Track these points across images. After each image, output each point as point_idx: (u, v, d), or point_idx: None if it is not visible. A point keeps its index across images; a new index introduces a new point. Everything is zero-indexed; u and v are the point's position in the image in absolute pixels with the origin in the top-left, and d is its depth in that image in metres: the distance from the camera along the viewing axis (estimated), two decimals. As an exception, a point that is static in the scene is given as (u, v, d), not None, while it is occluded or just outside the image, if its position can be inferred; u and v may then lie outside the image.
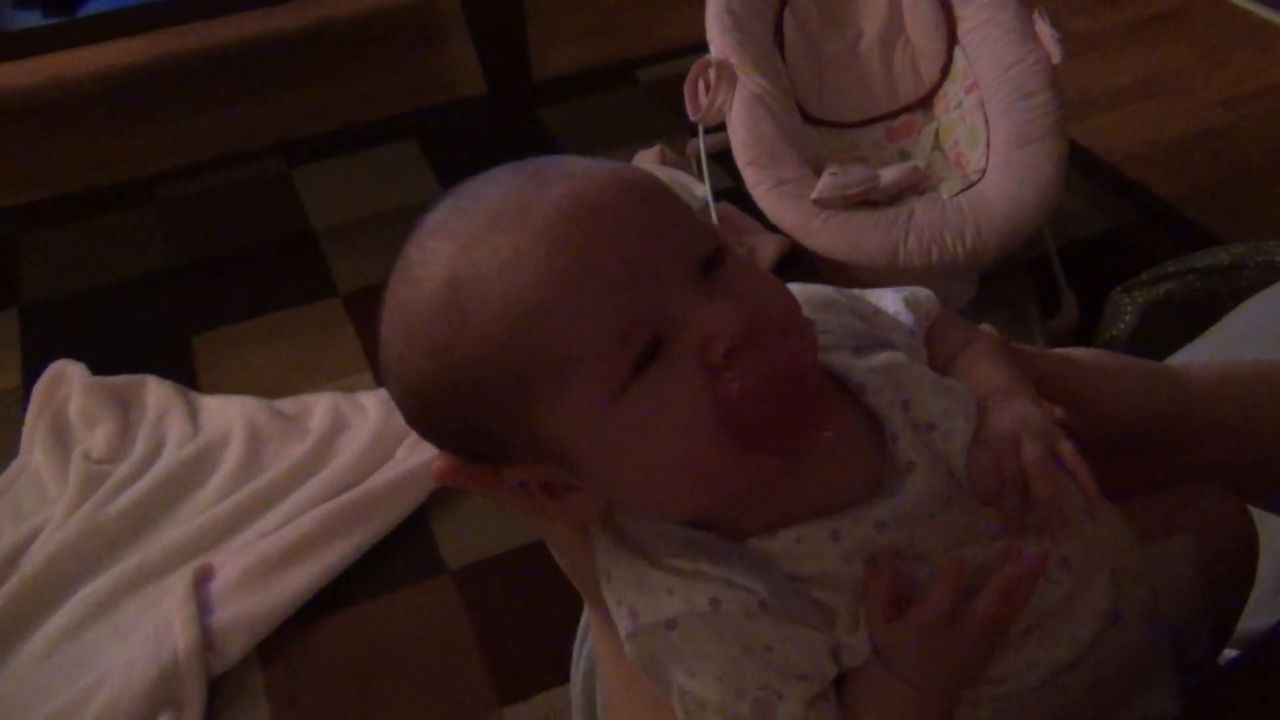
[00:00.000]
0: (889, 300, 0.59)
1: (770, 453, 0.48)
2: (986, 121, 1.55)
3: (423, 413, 0.51)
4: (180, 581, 1.38)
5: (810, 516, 0.51)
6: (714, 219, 1.70)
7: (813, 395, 0.48)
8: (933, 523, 0.51)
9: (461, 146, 2.22)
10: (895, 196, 1.52)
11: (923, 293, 0.60)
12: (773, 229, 1.60)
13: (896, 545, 0.51)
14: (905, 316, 0.58)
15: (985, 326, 0.60)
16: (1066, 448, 0.52)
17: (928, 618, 0.49)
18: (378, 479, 1.50)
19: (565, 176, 0.48)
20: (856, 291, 0.59)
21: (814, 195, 1.47)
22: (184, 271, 1.98)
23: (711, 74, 1.56)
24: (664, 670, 0.52)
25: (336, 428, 1.59)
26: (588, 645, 0.74)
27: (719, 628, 0.50)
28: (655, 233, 0.48)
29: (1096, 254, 1.78)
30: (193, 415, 1.65)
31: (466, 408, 0.49)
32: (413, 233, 0.51)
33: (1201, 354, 0.85)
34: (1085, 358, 0.60)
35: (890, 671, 0.51)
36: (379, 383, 1.69)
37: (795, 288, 0.56)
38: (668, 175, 1.84)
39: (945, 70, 1.67)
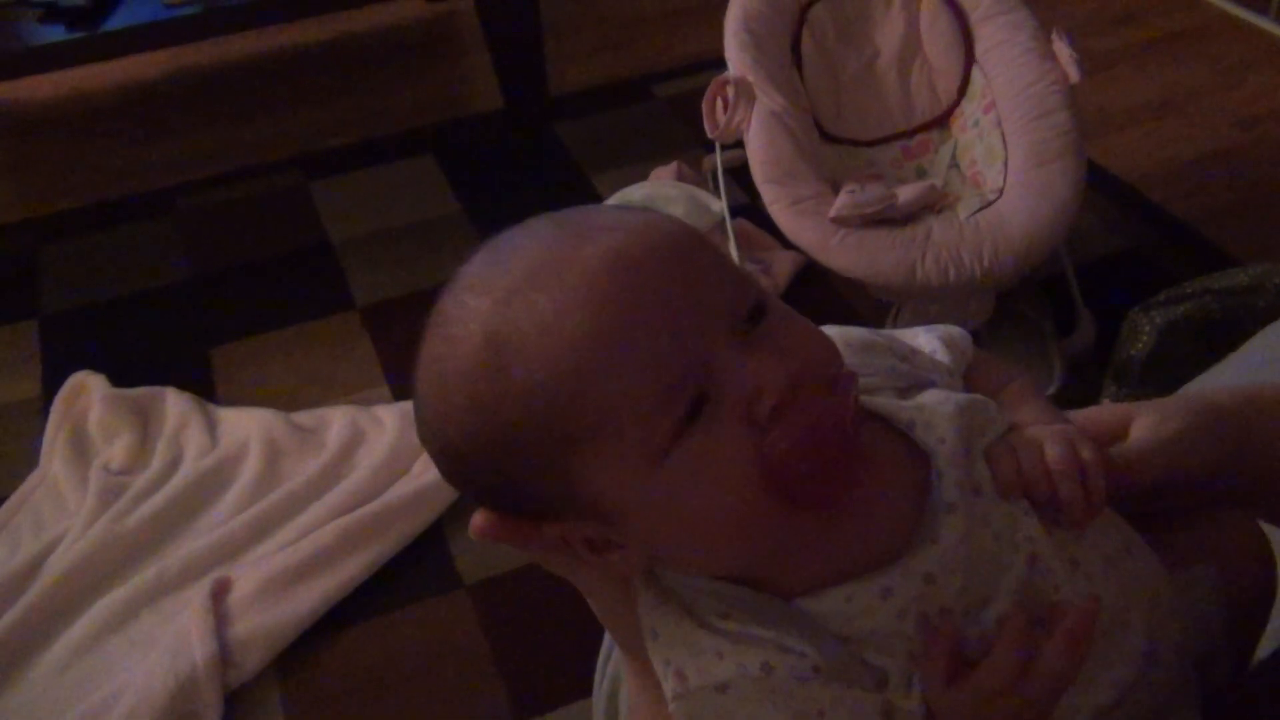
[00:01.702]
0: (923, 339, 0.59)
1: (810, 508, 0.47)
2: (1004, 140, 1.55)
3: (461, 470, 0.51)
4: (198, 594, 1.38)
5: (857, 571, 0.50)
6: (730, 235, 1.70)
7: (854, 451, 0.48)
8: (974, 563, 0.51)
9: (478, 161, 2.23)
10: (912, 215, 1.53)
11: (956, 331, 0.60)
12: (789, 245, 1.60)
13: (946, 600, 0.50)
14: (943, 356, 0.58)
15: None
16: (1088, 452, 0.52)
17: (993, 682, 0.48)
18: (394, 493, 1.50)
19: (603, 231, 0.48)
20: (892, 331, 0.59)
21: (831, 214, 1.47)
22: (203, 284, 2.00)
23: (730, 91, 1.56)
24: None
25: (354, 441, 1.60)
26: (611, 665, 0.74)
27: (771, 693, 0.49)
28: (696, 287, 0.47)
29: (1113, 273, 1.78)
30: (211, 427, 1.66)
31: (506, 466, 0.49)
32: (447, 285, 0.50)
33: (1222, 379, 0.85)
34: (1142, 410, 0.60)
35: None
36: (396, 396, 1.70)
37: (833, 330, 0.56)
38: (684, 192, 1.84)
39: (963, 89, 1.67)
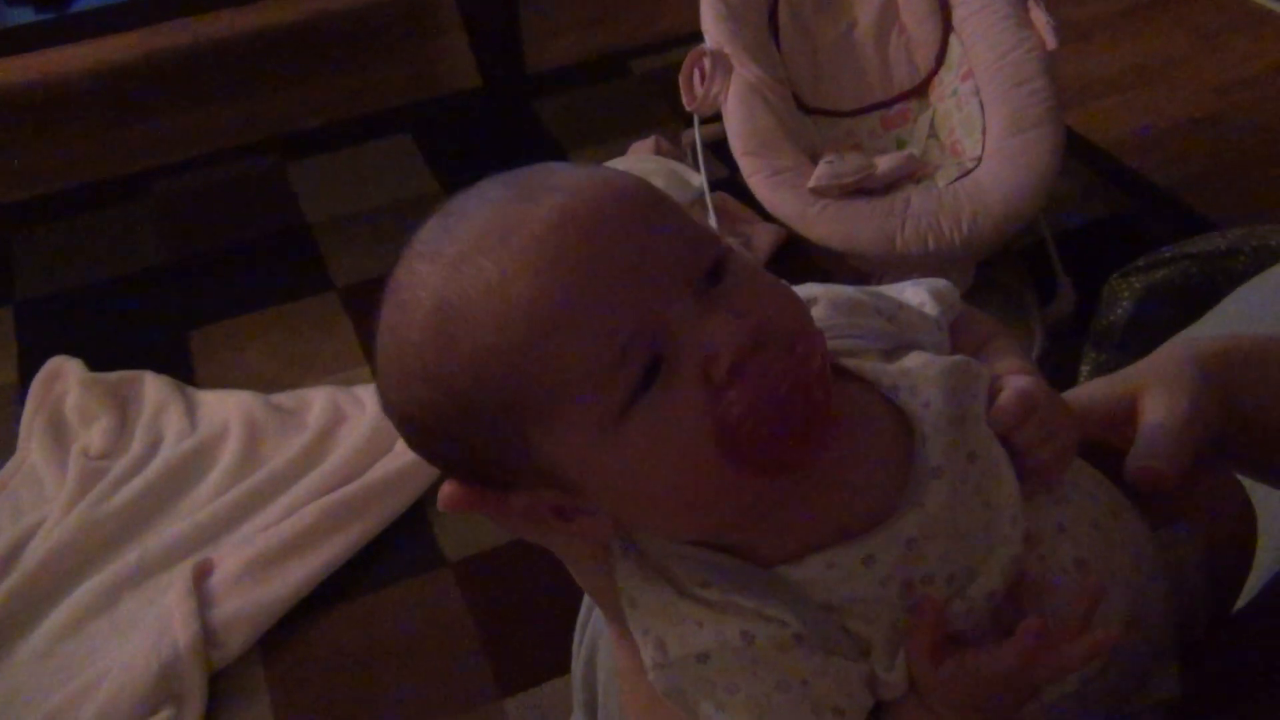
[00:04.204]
0: (911, 293, 0.57)
1: (771, 473, 0.46)
2: (982, 109, 1.55)
3: (422, 440, 0.50)
4: (180, 576, 1.38)
5: (839, 538, 0.49)
6: (710, 209, 1.70)
7: (817, 412, 0.46)
8: (960, 530, 0.49)
9: (456, 140, 2.21)
10: (892, 185, 1.52)
11: (943, 284, 0.58)
12: (769, 219, 1.59)
13: (929, 566, 0.49)
14: (931, 308, 0.56)
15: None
16: (1065, 419, 0.52)
17: (995, 669, 0.47)
18: (376, 472, 1.50)
19: (553, 190, 0.46)
20: (879, 288, 0.57)
21: (810, 184, 1.47)
22: (180, 267, 1.98)
23: (707, 64, 1.55)
24: (691, 701, 0.50)
25: (334, 421, 1.59)
26: (588, 633, 0.74)
27: (752, 662, 0.49)
28: (651, 246, 0.46)
29: (1092, 241, 1.78)
30: (190, 410, 1.64)
31: (464, 435, 0.48)
32: (403, 251, 0.49)
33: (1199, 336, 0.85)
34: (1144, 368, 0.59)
35: (930, 713, 0.50)
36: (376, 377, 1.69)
37: (818, 289, 0.55)
38: (663, 166, 1.84)
39: (940, 58, 1.67)
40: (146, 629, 1.33)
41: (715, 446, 0.45)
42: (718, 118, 1.61)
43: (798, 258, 1.76)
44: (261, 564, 1.39)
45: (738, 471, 0.45)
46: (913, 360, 0.52)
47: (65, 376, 1.69)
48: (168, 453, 1.57)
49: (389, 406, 0.50)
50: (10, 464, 1.60)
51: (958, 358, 0.53)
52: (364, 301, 1.83)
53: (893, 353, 0.54)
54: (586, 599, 0.74)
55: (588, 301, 0.44)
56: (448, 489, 0.50)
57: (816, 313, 0.53)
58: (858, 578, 0.49)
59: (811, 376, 0.46)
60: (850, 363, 0.52)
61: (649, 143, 1.96)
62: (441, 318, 0.46)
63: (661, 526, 0.50)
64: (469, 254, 0.46)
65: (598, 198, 0.46)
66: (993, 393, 0.52)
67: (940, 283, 0.58)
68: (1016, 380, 0.53)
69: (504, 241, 0.45)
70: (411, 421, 0.49)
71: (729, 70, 1.56)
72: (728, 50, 1.57)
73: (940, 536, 0.49)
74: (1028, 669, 0.47)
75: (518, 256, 0.45)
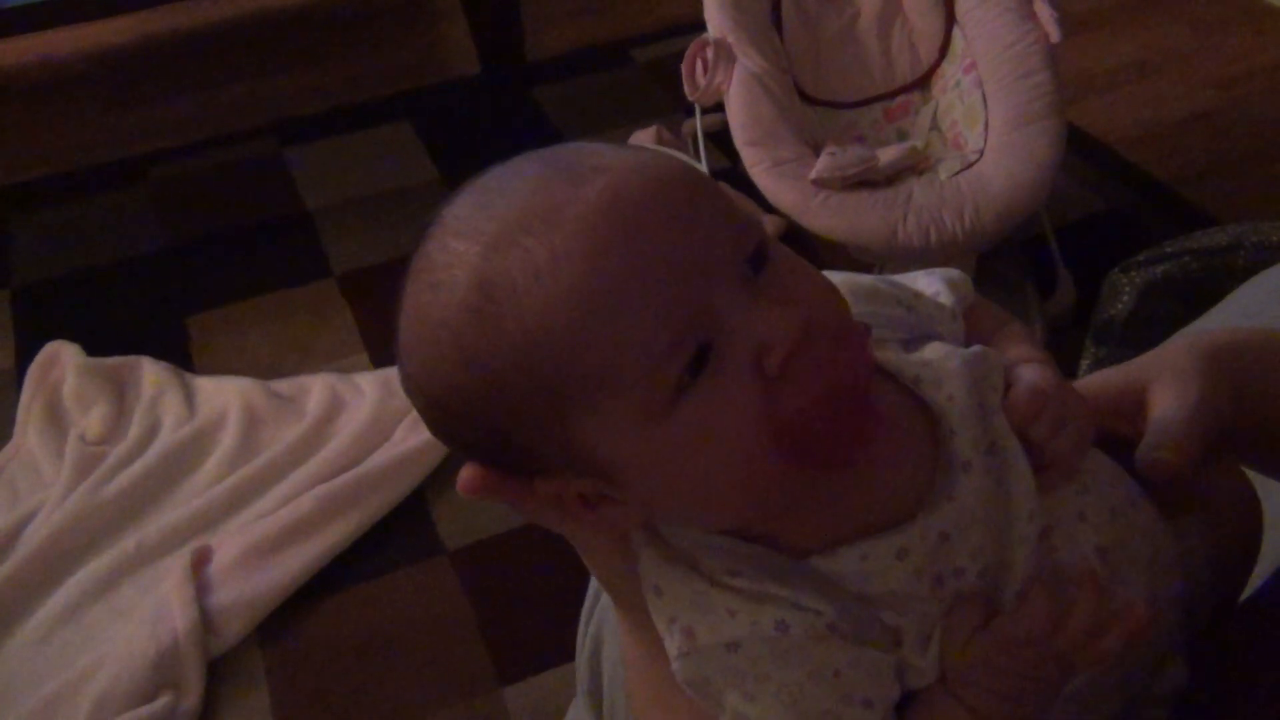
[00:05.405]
0: (924, 282, 0.57)
1: (824, 467, 0.46)
2: (985, 101, 1.55)
3: (449, 424, 0.48)
4: (178, 563, 1.38)
5: (870, 530, 0.49)
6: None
7: (866, 406, 0.46)
8: (989, 523, 0.49)
9: (455, 127, 2.21)
10: (893, 177, 1.52)
11: (957, 273, 0.58)
12: (770, 210, 1.59)
13: (960, 560, 0.49)
14: (946, 298, 0.56)
15: None
16: (1078, 408, 0.52)
17: (1018, 631, 0.48)
18: (375, 460, 1.50)
19: (600, 171, 0.45)
20: (894, 276, 0.57)
21: (812, 175, 1.46)
22: (177, 252, 1.97)
23: (709, 53, 1.55)
24: (716, 691, 0.50)
25: (333, 409, 1.58)
26: (593, 624, 0.73)
27: (785, 652, 0.48)
28: (700, 231, 0.44)
29: (1093, 235, 1.78)
30: (188, 397, 1.64)
31: (498, 420, 0.46)
32: (430, 228, 0.47)
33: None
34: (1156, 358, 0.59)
35: (959, 701, 0.50)
36: (375, 364, 1.69)
37: (837, 277, 0.54)
38: (664, 155, 1.83)
39: (943, 50, 1.66)
40: (144, 615, 1.33)
41: (766, 438, 0.44)
42: (719, 108, 1.60)
43: (799, 249, 1.75)
44: (260, 551, 1.39)
45: (787, 464, 0.45)
46: (933, 352, 0.52)
47: (62, 362, 1.69)
48: (166, 439, 1.57)
49: (413, 389, 0.49)
50: (7, 449, 1.60)
51: (977, 349, 0.53)
52: (362, 289, 1.84)
53: (911, 343, 0.53)
54: (593, 586, 0.74)
55: (639, 288, 0.43)
56: (468, 473, 0.49)
57: None
58: (891, 570, 0.48)
59: (861, 370, 0.45)
60: (873, 353, 0.51)
61: (650, 132, 1.95)
62: (484, 300, 0.44)
63: (697, 516, 0.49)
64: (512, 234, 0.44)
65: (647, 181, 0.45)
66: (1006, 383, 0.52)
67: (954, 272, 0.58)
68: (1027, 372, 0.53)
69: (551, 223, 0.44)
70: (438, 405, 0.48)
71: (731, 60, 1.55)
72: (730, 39, 1.57)
73: (972, 530, 0.49)
74: (1054, 632, 0.48)
75: (567, 239, 0.43)
